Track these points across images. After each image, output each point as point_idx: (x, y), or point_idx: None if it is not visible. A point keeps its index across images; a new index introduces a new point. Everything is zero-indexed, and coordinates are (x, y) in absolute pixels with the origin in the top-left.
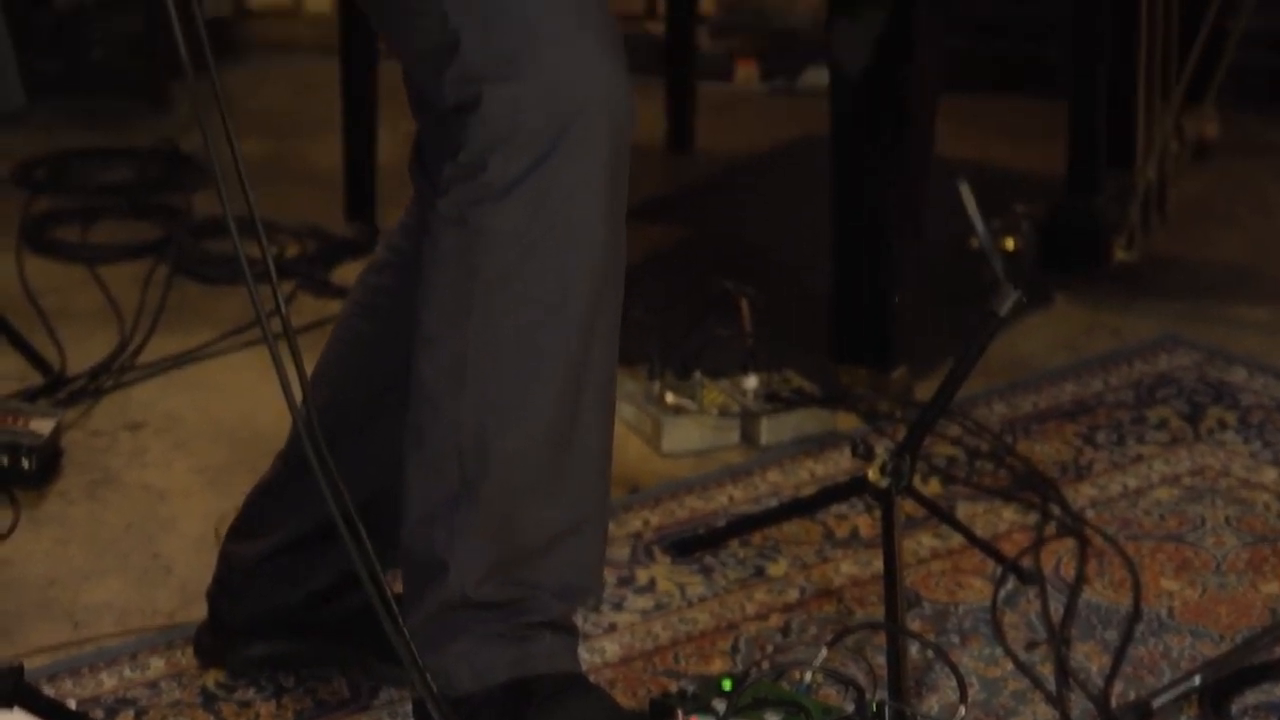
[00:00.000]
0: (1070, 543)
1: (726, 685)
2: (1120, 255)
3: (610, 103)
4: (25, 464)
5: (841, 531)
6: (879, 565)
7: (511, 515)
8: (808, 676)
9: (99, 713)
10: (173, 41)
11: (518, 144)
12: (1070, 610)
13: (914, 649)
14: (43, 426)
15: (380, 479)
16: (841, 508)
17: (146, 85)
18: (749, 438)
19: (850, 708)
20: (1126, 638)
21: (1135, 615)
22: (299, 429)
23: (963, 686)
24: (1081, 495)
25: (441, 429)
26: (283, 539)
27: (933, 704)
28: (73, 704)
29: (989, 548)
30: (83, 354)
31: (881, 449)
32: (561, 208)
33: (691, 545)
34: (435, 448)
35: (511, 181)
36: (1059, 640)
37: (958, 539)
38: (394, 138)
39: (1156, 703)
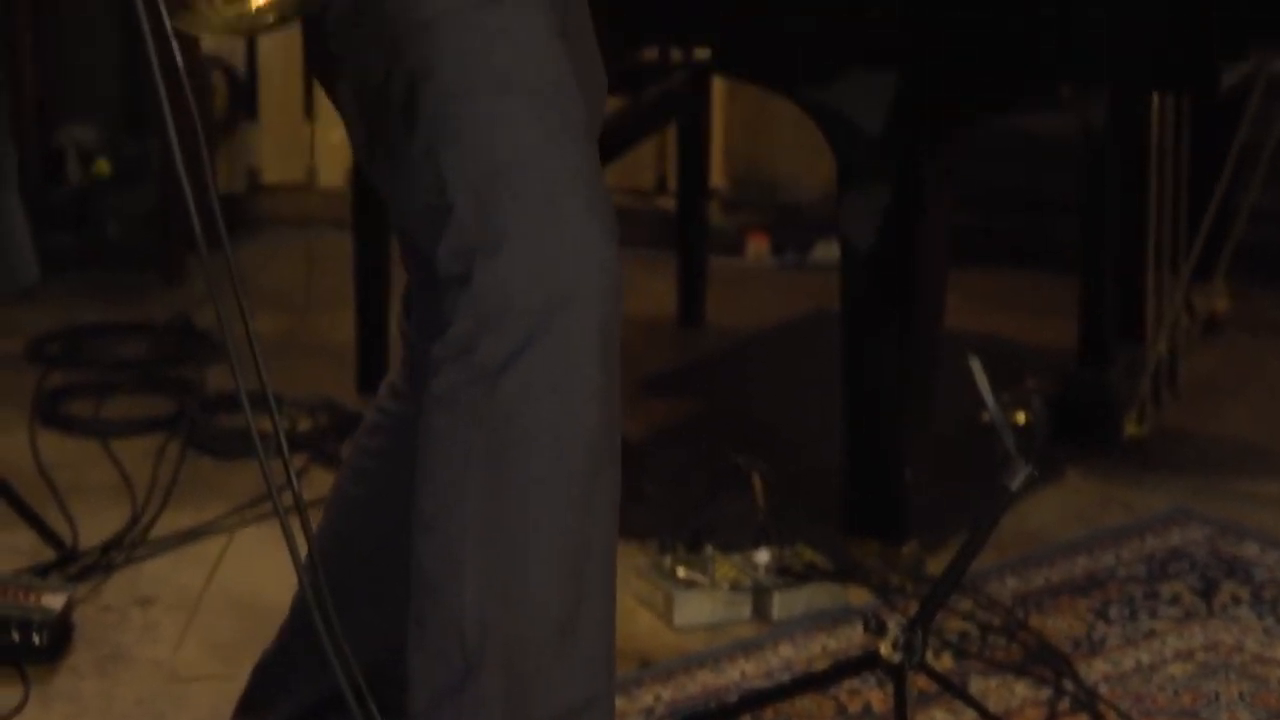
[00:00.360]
0: (1084, 718)
1: None
2: (1131, 430)
3: (602, 281)
4: (36, 639)
5: (854, 707)
6: None
7: (518, 697)
8: None
9: None
10: (187, 217)
11: (508, 324)
12: None
13: None
14: (54, 602)
15: (380, 646)
16: (854, 683)
17: (161, 260)
18: (761, 612)
19: None
20: None
21: None
22: (301, 597)
23: None
24: (1095, 670)
25: (442, 613)
26: (289, 713)
27: None
28: None
29: None
30: (95, 528)
31: (894, 624)
32: (553, 389)
33: None
34: (436, 632)
35: (503, 362)
36: None
37: (971, 714)
38: None
39: None
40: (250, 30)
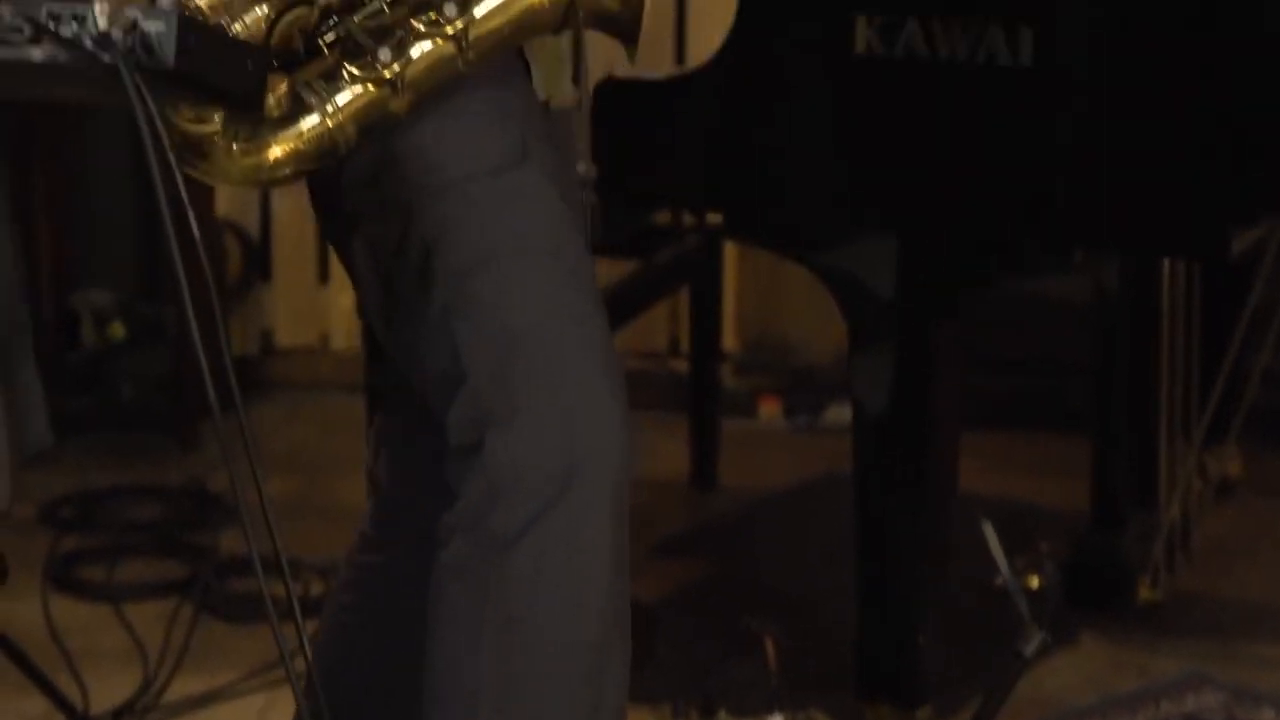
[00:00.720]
0: None
1: None
2: (1145, 594)
3: (613, 452)
4: None
5: None
6: None
7: None
8: None
9: None
10: (201, 380)
11: (520, 494)
12: None
13: None
14: None
15: None
16: None
17: (175, 423)
18: None
19: None
20: None
21: None
22: None
23: None
24: None
25: None
26: None
27: None
28: None
29: None
30: (107, 694)
31: None
32: (566, 560)
33: None
34: None
35: (515, 533)
36: None
37: None
38: None
39: None
40: (267, 182)
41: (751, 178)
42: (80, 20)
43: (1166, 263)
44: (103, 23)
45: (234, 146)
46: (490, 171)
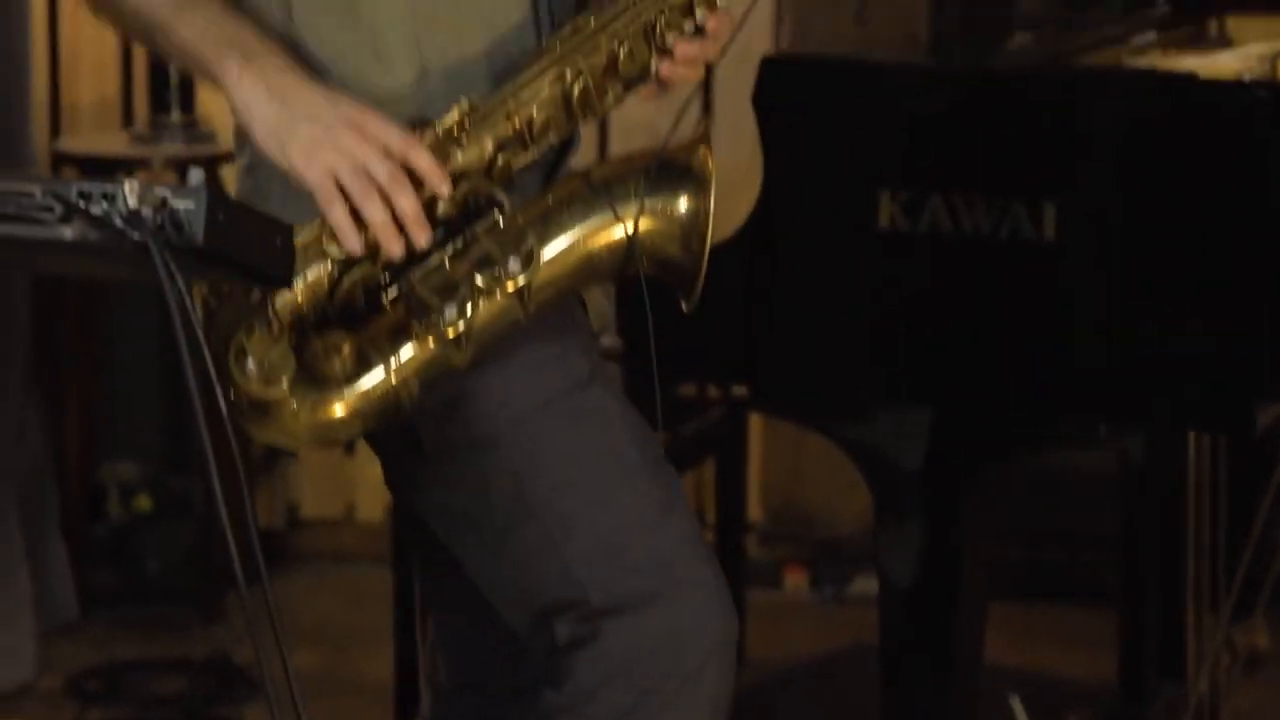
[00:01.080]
0: None
1: None
2: None
3: (723, 634)
4: None
5: None
6: None
7: None
8: None
9: None
10: (227, 554)
11: (632, 677)
12: None
13: None
14: None
15: None
16: None
17: (201, 597)
18: None
19: None
20: None
21: None
22: None
23: None
24: None
25: None
26: None
27: None
28: None
29: None
30: None
31: None
32: None
33: None
34: None
35: (622, 714)
36: None
37: None
38: None
39: None
40: (334, 441)
41: (777, 351)
42: (110, 199)
43: (1192, 436)
44: (133, 201)
45: (299, 407)
46: (562, 394)
